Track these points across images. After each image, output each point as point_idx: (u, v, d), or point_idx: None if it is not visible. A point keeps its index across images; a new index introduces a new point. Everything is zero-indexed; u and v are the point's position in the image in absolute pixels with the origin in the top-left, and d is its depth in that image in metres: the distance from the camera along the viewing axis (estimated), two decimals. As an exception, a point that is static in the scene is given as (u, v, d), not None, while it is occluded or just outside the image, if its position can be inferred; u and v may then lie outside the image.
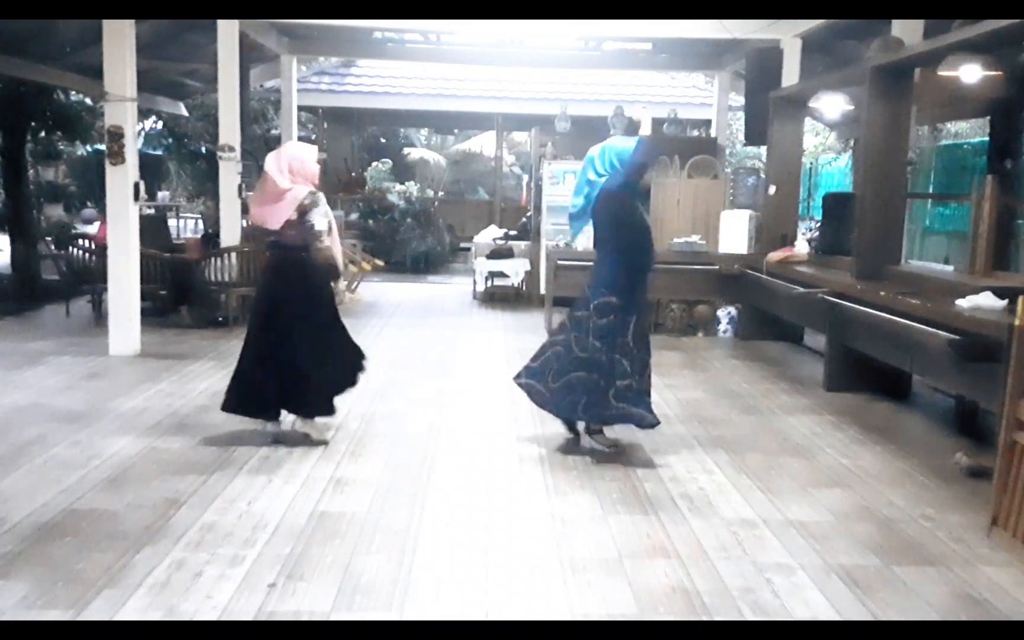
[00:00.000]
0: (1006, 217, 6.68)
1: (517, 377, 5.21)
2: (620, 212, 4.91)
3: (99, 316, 8.68)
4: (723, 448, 5.20)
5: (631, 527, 3.98)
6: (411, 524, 3.93)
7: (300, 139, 14.34)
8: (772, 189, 8.60)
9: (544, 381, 5.05)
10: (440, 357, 7.72)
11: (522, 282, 11.20)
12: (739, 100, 13.21)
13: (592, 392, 4.92)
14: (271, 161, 4.88)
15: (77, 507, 4.00)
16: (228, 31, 9.57)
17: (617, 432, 5.17)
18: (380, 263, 11.02)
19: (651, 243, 5.10)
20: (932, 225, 13.25)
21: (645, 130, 10.08)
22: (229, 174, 9.75)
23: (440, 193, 19.05)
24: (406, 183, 15.65)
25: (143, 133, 17.12)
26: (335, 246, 4.91)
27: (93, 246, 8.83)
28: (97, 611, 3.08)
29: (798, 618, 3.20)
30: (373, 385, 6.33)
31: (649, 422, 4.94)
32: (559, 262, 9.08)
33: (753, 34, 9.82)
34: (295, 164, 4.85)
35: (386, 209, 14.57)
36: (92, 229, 10.53)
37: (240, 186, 9.96)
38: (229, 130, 9.67)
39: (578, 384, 4.94)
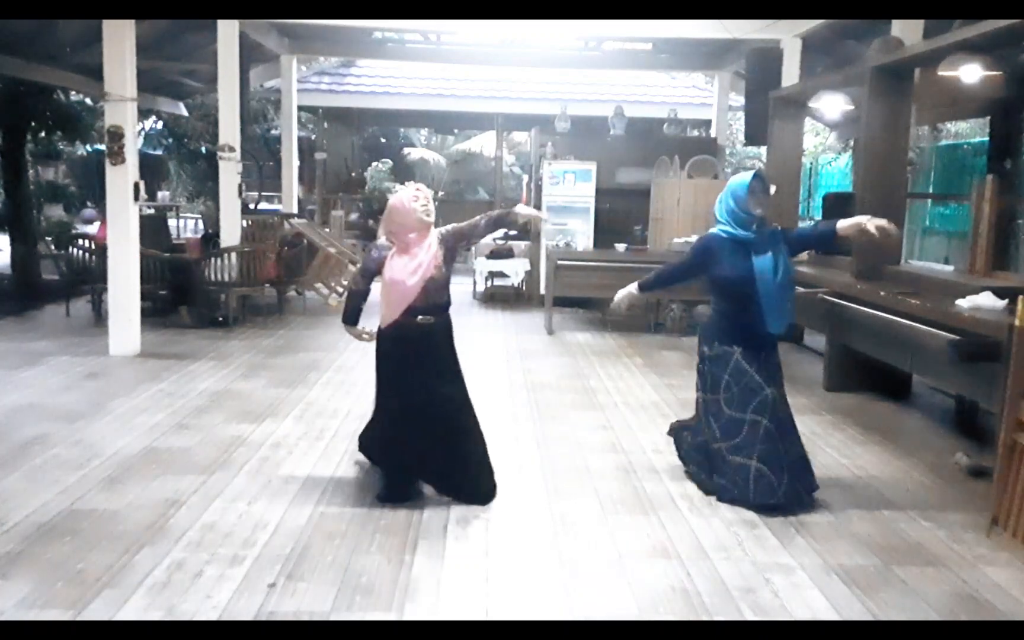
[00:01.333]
0: (1006, 217, 6.69)
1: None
2: (704, 260, 4.47)
3: (99, 316, 8.68)
4: (723, 448, 5.19)
5: (631, 527, 3.98)
6: (411, 524, 3.93)
7: (300, 139, 14.33)
8: (772, 189, 8.59)
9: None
10: (440, 357, 7.69)
11: (522, 282, 11.20)
12: (739, 100, 13.22)
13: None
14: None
15: (77, 507, 4.00)
16: (228, 31, 9.57)
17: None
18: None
19: (742, 293, 4.32)
20: (932, 225, 13.26)
21: None
22: (229, 174, 9.75)
23: (440, 193, 19.03)
24: (406, 183, 15.63)
25: (143, 133, 17.12)
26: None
27: (93, 246, 8.84)
28: (97, 611, 3.08)
29: (798, 618, 3.20)
30: (373, 385, 6.33)
31: (728, 497, 4.29)
32: (559, 262, 9.09)
33: (753, 34, 9.82)
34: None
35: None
36: (92, 229, 10.53)
37: (240, 186, 9.97)
38: (229, 130, 9.68)
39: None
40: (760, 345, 4.38)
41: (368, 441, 4.48)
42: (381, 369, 4.30)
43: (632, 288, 4.74)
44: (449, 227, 4.38)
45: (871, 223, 4.20)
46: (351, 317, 4.36)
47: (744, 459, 4.25)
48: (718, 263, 4.36)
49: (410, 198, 4.25)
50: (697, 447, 4.59)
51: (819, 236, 4.77)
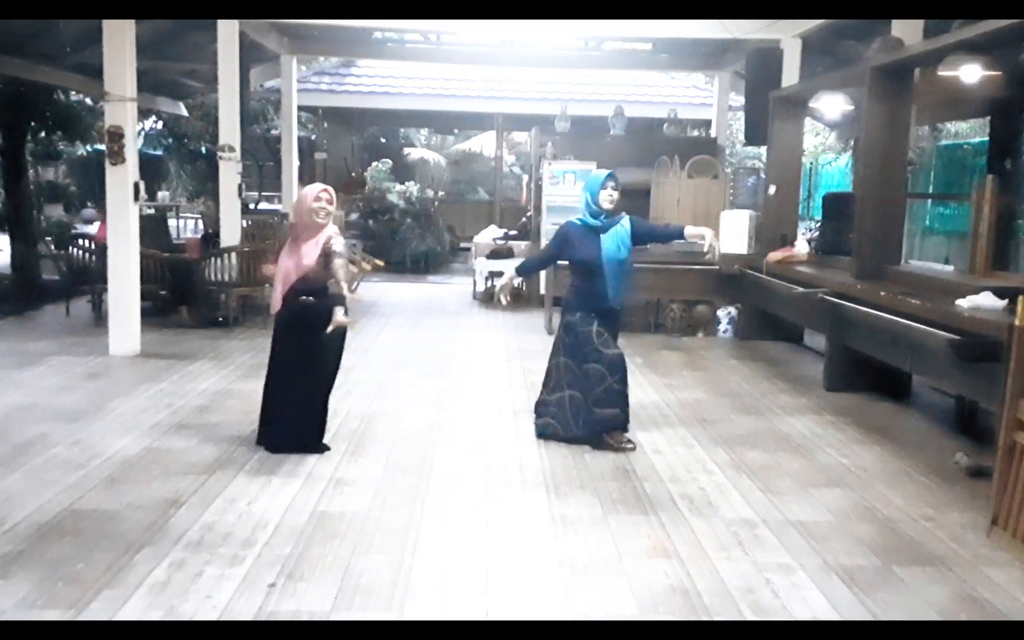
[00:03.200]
0: (1006, 217, 6.69)
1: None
2: (563, 244, 5.34)
3: (99, 316, 8.68)
4: (723, 448, 5.20)
5: (631, 527, 3.98)
6: (411, 524, 3.93)
7: (300, 139, 14.33)
8: (772, 189, 8.60)
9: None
10: (440, 357, 7.72)
11: (522, 282, 11.19)
12: (739, 100, 13.22)
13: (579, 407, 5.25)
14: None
15: (77, 507, 4.00)
16: (228, 31, 9.57)
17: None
18: (380, 263, 11.01)
19: (591, 269, 5.18)
20: (932, 225, 13.27)
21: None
22: (229, 174, 9.75)
23: (440, 193, 19.04)
24: (406, 183, 15.63)
25: (143, 133, 17.12)
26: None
27: (93, 246, 8.83)
28: (97, 611, 3.08)
29: (798, 618, 3.20)
30: (373, 385, 6.34)
31: (551, 432, 5.31)
32: (559, 262, 9.07)
33: (753, 34, 9.82)
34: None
35: (386, 209, 14.59)
36: (92, 229, 10.53)
37: (240, 186, 9.97)
38: (229, 130, 9.68)
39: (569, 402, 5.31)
40: (605, 313, 5.23)
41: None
42: (272, 340, 4.97)
43: (510, 272, 5.63)
44: (333, 240, 4.72)
45: (712, 238, 5.17)
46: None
47: (572, 393, 5.20)
48: (574, 246, 5.24)
49: (313, 197, 4.72)
50: (557, 405, 5.30)
51: (668, 233, 5.66)
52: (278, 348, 4.93)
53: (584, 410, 5.15)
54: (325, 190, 4.78)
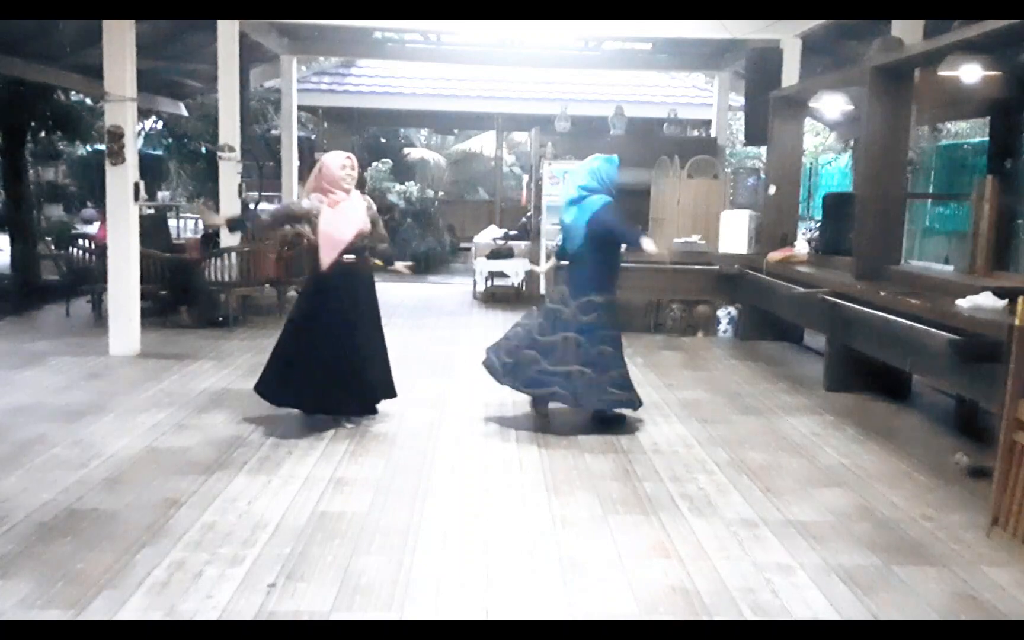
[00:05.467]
0: (1006, 217, 6.68)
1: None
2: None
3: (99, 316, 8.68)
4: (723, 448, 5.20)
5: (631, 527, 3.98)
6: (411, 524, 3.93)
7: (300, 139, 14.34)
8: (772, 189, 8.60)
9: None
10: (440, 357, 7.72)
11: (522, 282, 11.20)
12: (739, 100, 13.22)
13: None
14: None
15: (77, 507, 4.00)
16: (228, 31, 9.58)
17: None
18: (380, 263, 11.03)
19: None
20: (932, 225, 13.26)
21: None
22: (229, 174, 9.76)
23: (440, 193, 19.04)
24: (406, 183, 15.64)
25: (143, 133, 17.11)
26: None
27: (93, 246, 8.84)
28: (97, 611, 3.08)
29: (798, 618, 3.20)
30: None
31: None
32: (560, 262, 9.07)
33: (753, 34, 9.82)
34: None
35: (386, 209, 14.60)
36: (92, 229, 10.54)
37: (240, 186, 9.97)
38: (229, 130, 9.69)
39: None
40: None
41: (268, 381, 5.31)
42: (306, 302, 5.32)
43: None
44: (374, 207, 5.45)
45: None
46: (237, 223, 5.84)
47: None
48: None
49: (339, 165, 5.16)
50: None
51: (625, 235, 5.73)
52: (329, 308, 5.18)
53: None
54: (348, 157, 5.23)
